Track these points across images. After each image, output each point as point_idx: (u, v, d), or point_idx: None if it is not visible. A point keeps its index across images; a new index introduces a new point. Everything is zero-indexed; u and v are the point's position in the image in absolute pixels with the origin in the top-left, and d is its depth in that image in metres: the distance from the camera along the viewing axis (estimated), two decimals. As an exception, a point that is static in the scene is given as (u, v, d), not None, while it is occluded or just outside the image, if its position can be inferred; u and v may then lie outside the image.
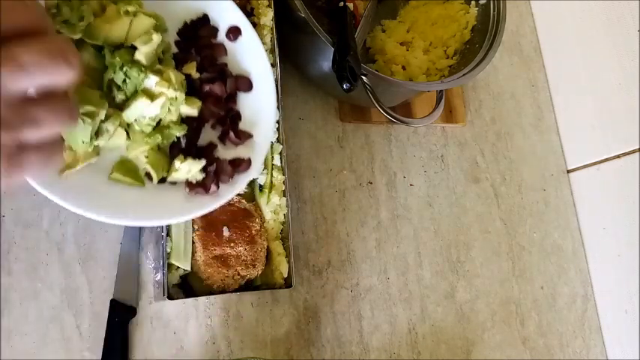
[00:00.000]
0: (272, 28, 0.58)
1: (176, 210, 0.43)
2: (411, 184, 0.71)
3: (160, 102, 0.42)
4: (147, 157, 0.43)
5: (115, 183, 0.42)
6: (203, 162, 0.44)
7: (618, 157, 0.74)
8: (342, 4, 0.60)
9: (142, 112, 0.42)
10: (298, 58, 0.65)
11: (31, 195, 0.54)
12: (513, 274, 0.73)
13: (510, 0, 0.80)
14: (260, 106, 0.50)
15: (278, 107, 0.57)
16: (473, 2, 0.72)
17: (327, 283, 0.63)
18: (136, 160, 0.43)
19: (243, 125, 0.49)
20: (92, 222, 0.55)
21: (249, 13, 0.59)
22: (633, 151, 0.72)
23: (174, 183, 0.45)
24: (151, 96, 0.42)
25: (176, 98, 0.43)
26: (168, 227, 0.51)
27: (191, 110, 0.45)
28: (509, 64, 0.84)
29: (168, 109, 0.43)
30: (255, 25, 0.58)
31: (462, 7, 0.73)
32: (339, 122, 0.70)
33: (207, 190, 0.45)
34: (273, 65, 0.58)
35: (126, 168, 0.43)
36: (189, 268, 0.51)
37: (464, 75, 0.63)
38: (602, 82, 0.77)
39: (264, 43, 0.58)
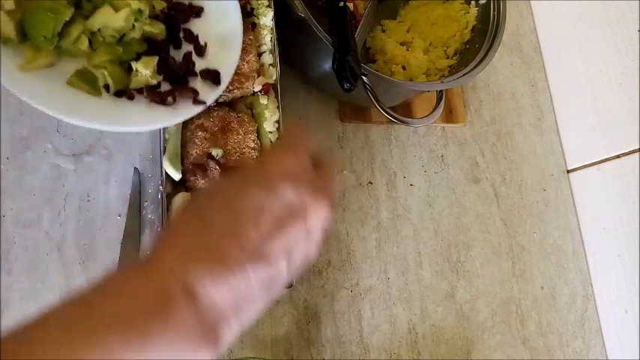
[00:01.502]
0: (272, 28, 0.58)
1: (134, 119, 0.45)
2: (411, 184, 0.71)
3: (125, 14, 0.45)
4: (106, 68, 0.45)
5: (72, 89, 0.44)
6: (156, 58, 0.47)
7: (618, 157, 0.74)
8: (342, 4, 0.60)
9: (106, 21, 0.45)
10: (298, 58, 0.65)
11: (31, 195, 0.54)
12: (513, 274, 0.73)
13: (510, 0, 0.80)
14: (225, 28, 0.54)
15: (278, 107, 0.57)
16: (473, 2, 0.72)
17: (327, 283, 0.63)
18: (96, 72, 0.46)
19: (211, 47, 0.53)
20: (92, 222, 0.55)
21: (250, 13, 0.59)
22: (633, 151, 0.72)
23: (132, 98, 0.46)
24: (116, 7, 0.45)
25: (140, 12, 0.46)
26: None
27: (155, 29, 0.48)
28: (509, 64, 0.84)
29: (133, 24, 0.46)
30: (255, 25, 0.58)
31: (462, 7, 0.73)
32: (339, 122, 0.70)
33: (163, 99, 0.47)
34: (273, 65, 0.58)
35: (85, 76, 0.45)
36: (189, 268, 0.51)
37: (464, 75, 0.63)
38: (602, 82, 0.77)
39: (264, 44, 0.58)
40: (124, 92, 0.46)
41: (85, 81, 0.44)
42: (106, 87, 0.46)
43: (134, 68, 0.47)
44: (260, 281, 0.30)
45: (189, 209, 0.32)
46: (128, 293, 0.27)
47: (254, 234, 0.30)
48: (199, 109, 0.48)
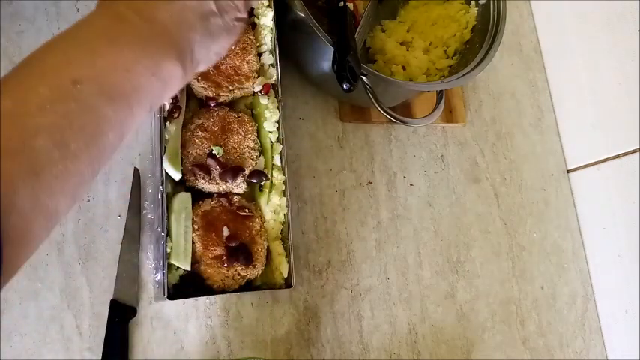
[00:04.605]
0: (272, 28, 0.58)
1: None
2: (411, 184, 0.71)
3: None
4: None
5: None
6: None
7: (618, 157, 0.74)
8: (342, 4, 0.60)
9: None
10: (298, 58, 0.65)
11: (31, 195, 0.54)
12: (513, 274, 0.73)
13: (510, 0, 0.80)
14: None
15: (278, 107, 0.57)
16: (473, 2, 0.72)
17: (327, 283, 0.63)
18: None
19: None
20: (92, 222, 0.55)
21: (250, 13, 0.59)
22: (633, 151, 0.72)
23: None
24: None
25: None
26: (169, 227, 0.51)
27: None
28: (509, 64, 0.84)
29: None
30: (255, 25, 0.58)
31: (462, 7, 0.73)
32: (339, 122, 0.70)
33: None
34: (273, 65, 0.58)
35: None
36: (189, 268, 0.51)
37: (464, 75, 0.63)
38: (602, 82, 0.77)
39: (264, 44, 0.58)
40: None
41: None
42: None
43: None
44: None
45: None
46: (87, 26, 0.34)
47: None
48: None
